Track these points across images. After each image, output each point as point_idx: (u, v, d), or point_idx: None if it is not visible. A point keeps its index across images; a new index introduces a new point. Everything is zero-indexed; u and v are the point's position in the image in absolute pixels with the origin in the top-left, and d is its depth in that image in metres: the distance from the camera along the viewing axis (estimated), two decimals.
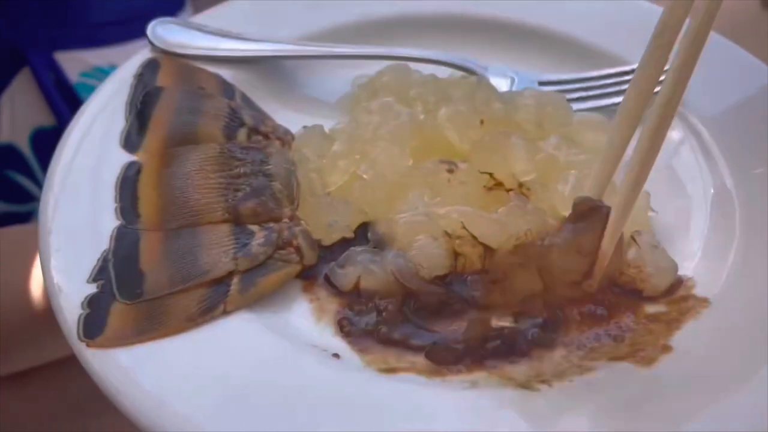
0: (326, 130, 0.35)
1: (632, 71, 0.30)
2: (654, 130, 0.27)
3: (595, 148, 0.34)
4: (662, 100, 0.26)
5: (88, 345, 0.25)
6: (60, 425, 0.46)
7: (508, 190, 0.32)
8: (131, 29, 0.55)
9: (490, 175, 0.32)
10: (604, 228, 0.28)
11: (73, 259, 0.28)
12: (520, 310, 0.28)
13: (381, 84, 0.37)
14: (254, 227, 0.30)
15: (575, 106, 0.37)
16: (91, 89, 0.53)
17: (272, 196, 0.31)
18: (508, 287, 0.29)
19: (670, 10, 0.26)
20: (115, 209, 0.30)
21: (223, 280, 0.28)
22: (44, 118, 0.53)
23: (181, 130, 0.34)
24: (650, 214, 0.31)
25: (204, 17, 0.41)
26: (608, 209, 0.29)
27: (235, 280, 0.28)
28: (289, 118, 0.36)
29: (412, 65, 0.38)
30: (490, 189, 0.32)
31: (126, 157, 0.32)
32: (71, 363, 0.43)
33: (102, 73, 0.54)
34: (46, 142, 0.52)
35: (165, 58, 0.37)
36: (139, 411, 0.23)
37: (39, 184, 0.51)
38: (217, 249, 0.29)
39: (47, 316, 0.38)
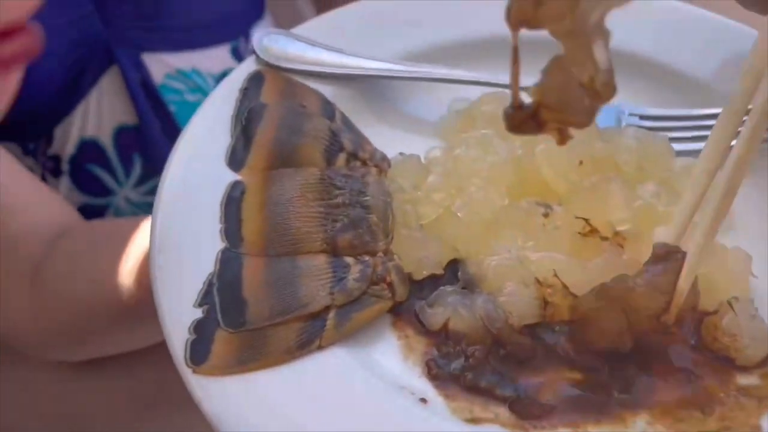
0: (422, 158, 0.35)
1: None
2: (731, 172, 0.27)
3: None
4: (740, 142, 0.26)
5: (194, 371, 0.27)
6: (128, 419, 0.47)
7: (604, 238, 0.32)
8: (213, 35, 0.56)
9: (586, 221, 0.32)
10: (680, 270, 0.29)
11: (181, 280, 0.30)
12: (607, 347, 0.29)
13: (480, 113, 0.37)
14: (350, 259, 0.31)
15: (677, 146, 0.36)
16: (173, 91, 0.54)
17: (368, 228, 0.31)
18: (595, 329, 0.29)
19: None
20: (220, 230, 0.32)
21: (319, 315, 0.29)
22: (128, 117, 0.53)
23: (283, 150, 0.35)
24: (751, 278, 0.31)
25: (305, 28, 0.41)
26: (683, 254, 0.29)
27: (331, 315, 0.29)
28: (386, 140, 0.37)
29: None
30: (584, 235, 0.32)
31: (231, 176, 0.34)
32: (144, 357, 0.45)
33: (184, 76, 0.55)
34: (128, 139, 0.53)
35: (269, 72, 0.38)
36: None
37: (117, 180, 0.53)
38: (314, 281, 0.30)
39: (128, 309, 0.40)
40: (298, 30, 0.41)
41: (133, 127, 0.53)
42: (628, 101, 0.39)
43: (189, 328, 0.28)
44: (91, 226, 0.46)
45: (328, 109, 0.37)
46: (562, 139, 0.22)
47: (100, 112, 0.52)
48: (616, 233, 0.32)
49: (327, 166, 0.34)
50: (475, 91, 0.38)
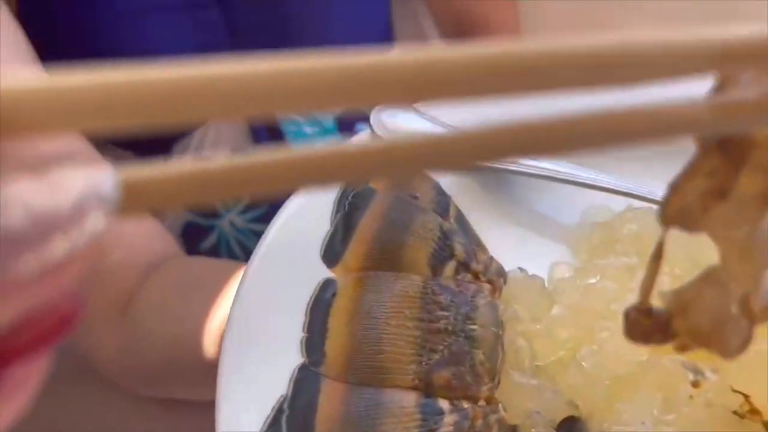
0: (546, 280, 0.30)
1: None
2: None
3: None
4: None
5: None
6: None
7: (765, 423, 0.25)
8: None
9: (745, 397, 0.26)
10: None
11: (248, 398, 0.26)
12: None
13: (622, 234, 0.31)
14: (444, 404, 0.26)
15: None
16: (292, 122, 0.53)
17: (472, 367, 0.26)
18: None
19: None
20: (302, 340, 0.27)
21: None
22: (244, 141, 0.53)
23: (386, 249, 0.30)
24: None
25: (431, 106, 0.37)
26: None
27: None
28: (505, 245, 0.32)
29: None
30: (741, 416, 0.25)
31: (323, 272, 0.30)
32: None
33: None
34: None
35: None
36: None
37: (225, 203, 0.52)
38: (399, 426, 0.25)
39: (210, 365, 0.38)
40: (421, 105, 0.37)
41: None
42: None
43: None
44: (186, 262, 0.45)
45: (443, 202, 0.33)
46: (731, 357, 0.17)
47: (218, 135, 0.52)
48: None
49: (432, 276, 0.30)
50: (618, 200, 0.32)
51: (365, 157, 0.12)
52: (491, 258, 0.31)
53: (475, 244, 0.31)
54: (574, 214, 0.33)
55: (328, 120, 0.55)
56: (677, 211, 0.15)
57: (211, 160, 0.11)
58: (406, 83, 0.11)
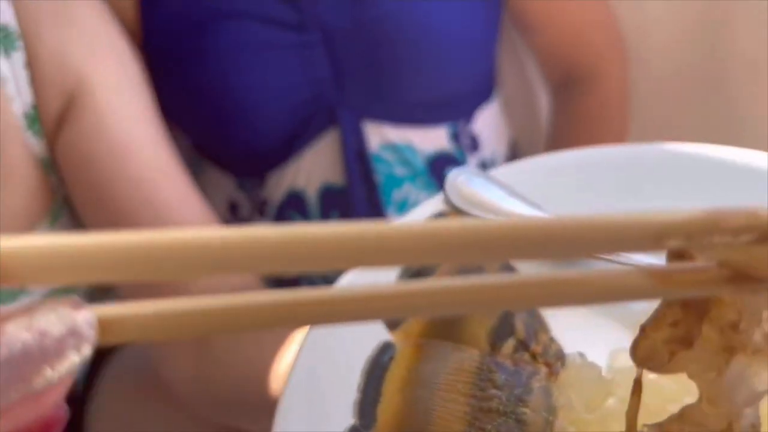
0: (605, 368, 0.30)
1: None
2: None
3: None
4: None
5: None
6: None
7: None
8: (436, 114, 0.56)
9: None
10: None
11: None
12: None
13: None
14: None
15: None
16: (384, 162, 0.55)
17: None
18: None
19: None
20: (355, 402, 0.28)
21: None
22: (336, 177, 0.55)
23: (448, 319, 0.31)
24: None
25: (509, 171, 0.37)
26: None
27: None
28: (567, 327, 0.32)
29: None
30: None
31: (383, 334, 0.31)
32: None
33: (398, 150, 0.56)
34: (332, 198, 0.55)
35: (454, 215, 0.35)
36: None
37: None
38: None
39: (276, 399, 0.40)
40: (500, 172, 0.37)
41: (339, 188, 0.55)
42: None
43: None
44: None
45: (508, 269, 0.33)
46: None
47: (312, 168, 0.54)
48: None
49: (491, 351, 0.30)
50: None
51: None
52: (552, 339, 0.31)
53: (538, 323, 0.32)
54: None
55: (419, 162, 0.56)
56: (646, 354, 0.15)
57: (195, 300, 0.13)
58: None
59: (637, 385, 0.17)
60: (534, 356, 0.30)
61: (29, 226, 0.45)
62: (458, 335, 0.30)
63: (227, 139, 0.55)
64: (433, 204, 0.36)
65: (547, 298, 0.13)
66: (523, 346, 0.30)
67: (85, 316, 0.12)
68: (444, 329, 0.31)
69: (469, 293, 0.13)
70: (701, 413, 0.16)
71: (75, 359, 0.11)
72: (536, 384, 0.29)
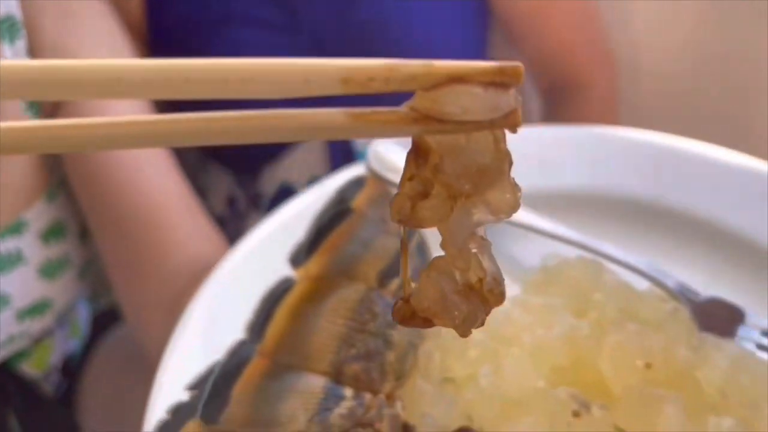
0: None
1: None
2: None
3: None
4: None
5: None
6: None
7: None
8: None
9: None
10: None
11: (193, 356, 0.30)
12: None
13: (566, 276, 0.33)
14: (348, 392, 0.29)
15: None
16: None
17: (380, 365, 0.30)
18: None
19: None
20: (248, 321, 0.32)
21: None
22: (322, 169, 0.58)
23: (344, 260, 0.34)
24: None
25: None
26: None
27: None
28: None
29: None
30: None
31: (288, 271, 0.34)
32: None
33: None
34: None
35: (372, 180, 0.39)
36: None
37: None
38: (301, 402, 0.29)
39: None
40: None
41: (323, 176, 0.58)
42: (759, 309, 0.32)
43: (168, 409, 0.28)
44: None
45: (410, 231, 0.36)
46: (462, 333, 0.19)
47: (302, 163, 0.58)
48: None
49: (378, 287, 0.33)
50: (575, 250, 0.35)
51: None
52: None
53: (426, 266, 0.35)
54: (536, 258, 0.36)
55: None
56: (396, 210, 0.18)
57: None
58: None
59: (403, 244, 0.20)
60: None
61: (26, 203, 0.49)
62: (353, 274, 0.34)
63: None
64: (355, 169, 0.40)
65: (257, 132, 0.16)
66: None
67: None
68: (340, 270, 0.34)
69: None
70: (445, 262, 0.19)
71: None
72: None
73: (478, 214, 0.18)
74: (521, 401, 0.28)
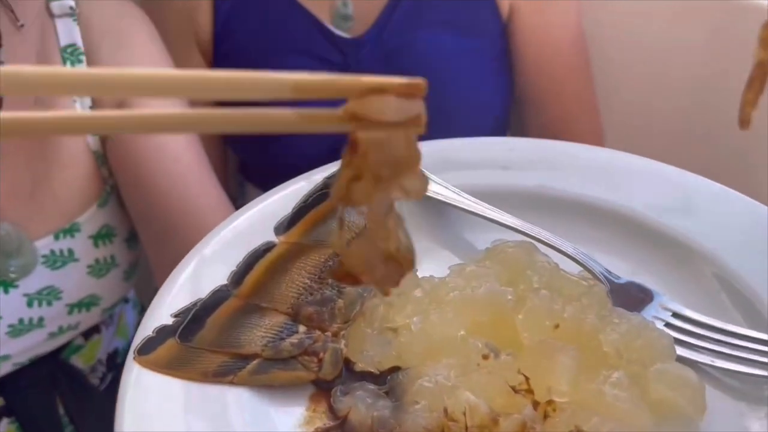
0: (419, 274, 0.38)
1: None
2: None
3: (661, 411, 0.31)
4: None
5: (134, 358, 0.33)
6: None
7: (535, 402, 0.31)
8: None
9: (526, 378, 0.32)
10: None
11: (182, 294, 0.37)
12: None
13: (499, 254, 0.38)
14: (302, 328, 0.35)
15: (698, 357, 0.34)
16: None
17: (331, 310, 0.35)
18: None
19: None
20: (232, 272, 0.38)
21: (246, 358, 0.33)
22: None
23: (321, 230, 0.40)
24: None
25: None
26: None
27: (255, 362, 0.33)
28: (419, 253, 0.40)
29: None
30: (516, 391, 0.32)
31: (272, 238, 0.41)
32: None
33: None
34: None
35: None
36: (120, 424, 0.31)
37: None
38: (261, 332, 0.35)
39: None
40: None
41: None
42: (677, 298, 0.37)
43: (155, 329, 0.35)
44: None
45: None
46: (385, 293, 0.25)
47: None
48: (550, 402, 0.31)
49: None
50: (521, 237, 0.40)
51: None
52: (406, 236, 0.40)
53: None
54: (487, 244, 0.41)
55: None
56: (335, 193, 0.23)
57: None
58: None
59: (340, 221, 0.26)
60: None
61: (81, 208, 0.55)
62: (324, 243, 0.40)
63: (275, 158, 0.65)
64: (335, 165, 0.46)
65: (219, 124, 0.22)
66: None
67: None
68: (314, 239, 0.40)
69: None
70: (371, 232, 0.24)
71: None
72: None
73: (395, 193, 0.24)
74: (442, 346, 0.34)
